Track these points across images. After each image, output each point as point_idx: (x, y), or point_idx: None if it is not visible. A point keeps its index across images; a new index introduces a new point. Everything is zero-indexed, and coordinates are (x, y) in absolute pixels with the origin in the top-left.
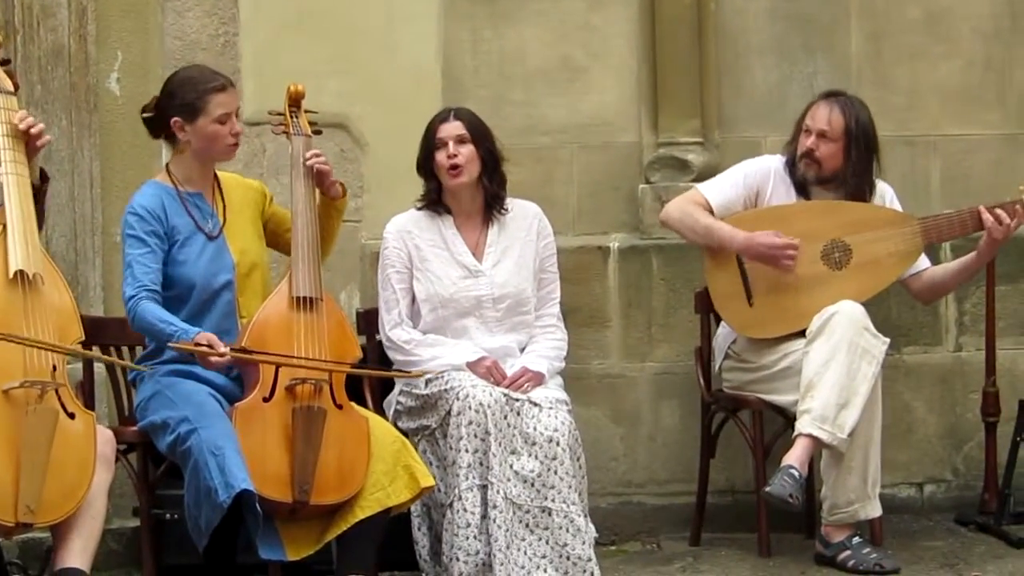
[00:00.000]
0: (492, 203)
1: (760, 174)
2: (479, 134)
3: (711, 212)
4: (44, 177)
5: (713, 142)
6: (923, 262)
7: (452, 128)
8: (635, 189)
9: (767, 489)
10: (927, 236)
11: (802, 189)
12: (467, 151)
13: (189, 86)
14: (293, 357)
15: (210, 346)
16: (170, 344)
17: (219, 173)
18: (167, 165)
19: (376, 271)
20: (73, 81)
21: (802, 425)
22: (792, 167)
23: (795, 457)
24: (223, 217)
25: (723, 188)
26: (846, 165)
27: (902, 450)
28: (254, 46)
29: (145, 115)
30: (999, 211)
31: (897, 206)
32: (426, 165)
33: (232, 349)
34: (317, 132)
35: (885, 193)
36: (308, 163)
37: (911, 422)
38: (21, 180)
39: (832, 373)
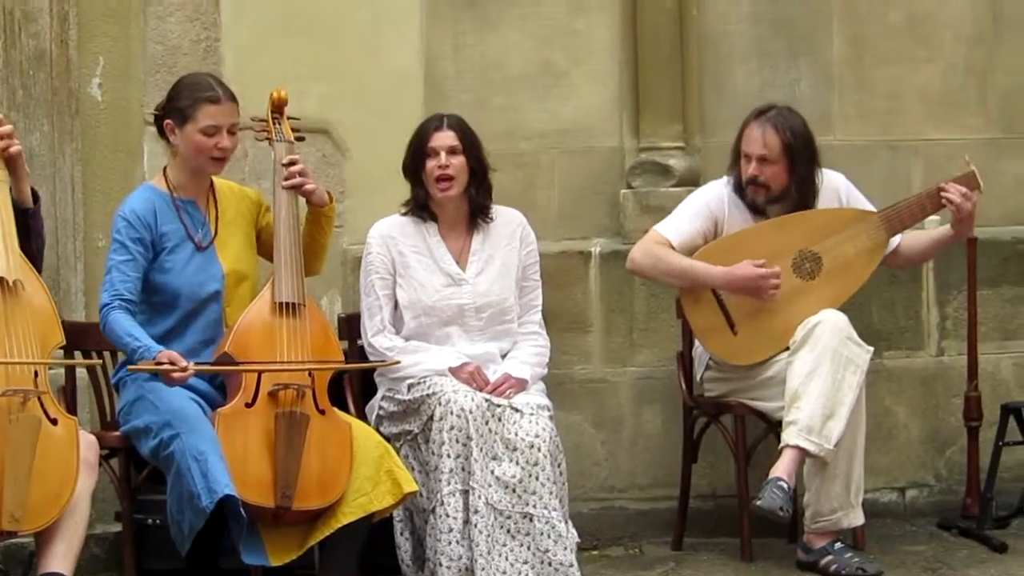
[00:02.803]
0: (477, 212)
1: (714, 202)
2: (469, 143)
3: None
4: (36, 197)
5: (695, 147)
6: (894, 240)
7: (445, 138)
8: (617, 194)
9: (757, 502)
10: (890, 227)
11: (755, 209)
12: (458, 162)
13: (186, 92)
14: (258, 363)
15: (172, 363)
16: (130, 367)
17: (216, 180)
18: (164, 169)
19: (358, 276)
20: (55, 86)
21: (788, 436)
22: (740, 191)
23: (783, 469)
24: (215, 227)
25: (681, 225)
26: (792, 180)
27: (884, 455)
28: (236, 51)
29: (155, 113)
30: (954, 184)
31: (856, 193)
32: (414, 170)
33: (196, 363)
34: (300, 138)
35: (839, 186)
36: (284, 184)
37: (893, 427)
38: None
39: (817, 384)
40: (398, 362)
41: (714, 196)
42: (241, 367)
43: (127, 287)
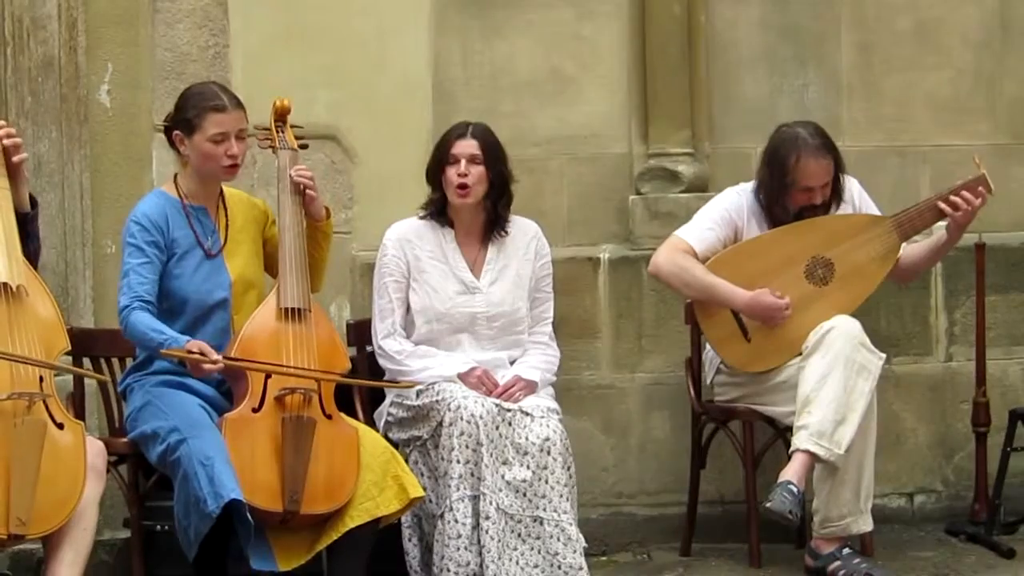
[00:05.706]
0: (494, 224)
1: (734, 210)
2: (492, 155)
3: (696, 258)
4: (34, 203)
5: (703, 153)
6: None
7: (467, 146)
8: (625, 200)
9: (767, 504)
10: (902, 232)
11: (774, 218)
12: (477, 172)
13: (191, 102)
14: (285, 366)
15: (202, 354)
16: (162, 351)
17: (225, 189)
18: (175, 176)
19: (367, 283)
20: (63, 93)
21: (799, 441)
22: (760, 202)
23: (793, 472)
24: (224, 235)
25: (703, 232)
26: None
27: (892, 460)
28: (245, 58)
29: (164, 125)
30: (965, 193)
31: (867, 199)
32: (435, 175)
33: (225, 357)
34: (303, 146)
35: (852, 191)
36: (294, 178)
37: (901, 432)
38: (2, 193)
39: (829, 389)
40: (412, 384)
41: (733, 204)
42: (266, 367)
43: (145, 289)
